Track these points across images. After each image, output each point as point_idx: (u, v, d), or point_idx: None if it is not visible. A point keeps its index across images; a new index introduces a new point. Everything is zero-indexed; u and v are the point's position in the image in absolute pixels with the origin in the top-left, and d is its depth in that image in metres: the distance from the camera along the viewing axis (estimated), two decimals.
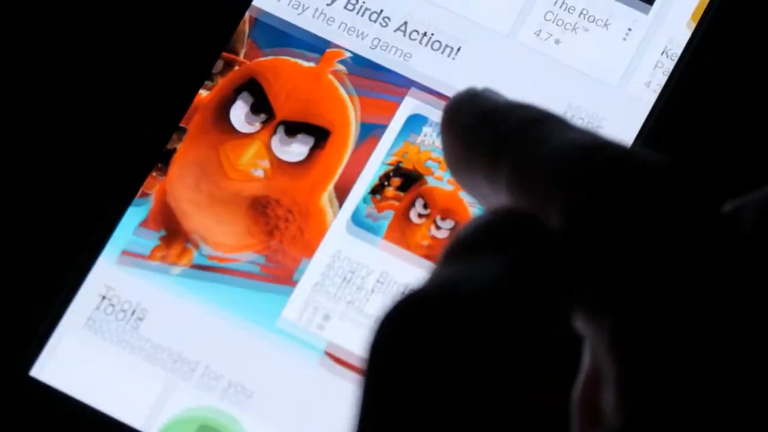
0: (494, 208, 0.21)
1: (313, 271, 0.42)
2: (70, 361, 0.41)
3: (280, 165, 0.42)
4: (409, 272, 0.41)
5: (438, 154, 0.42)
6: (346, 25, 0.43)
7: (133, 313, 0.41)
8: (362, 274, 0.42)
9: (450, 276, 0.19)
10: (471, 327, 0.18)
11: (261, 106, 0.42)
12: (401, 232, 0.42)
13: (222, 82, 0.42)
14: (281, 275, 0.42)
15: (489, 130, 0.21)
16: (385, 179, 0.42)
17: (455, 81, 0.42)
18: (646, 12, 0.42)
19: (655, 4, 0.42)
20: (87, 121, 0.43)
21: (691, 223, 0.19)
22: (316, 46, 0.42)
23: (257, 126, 0.42)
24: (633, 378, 0.18)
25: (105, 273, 0.42)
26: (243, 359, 0.41)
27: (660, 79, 0.42)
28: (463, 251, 0.20)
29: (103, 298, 0.41)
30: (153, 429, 0.40)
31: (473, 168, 0.21)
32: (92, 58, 0.43)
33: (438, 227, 0.42)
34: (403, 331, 0.18)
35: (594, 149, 0.20)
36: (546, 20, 0.42)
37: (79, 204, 0.42)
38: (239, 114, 0.42)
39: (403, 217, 0.42)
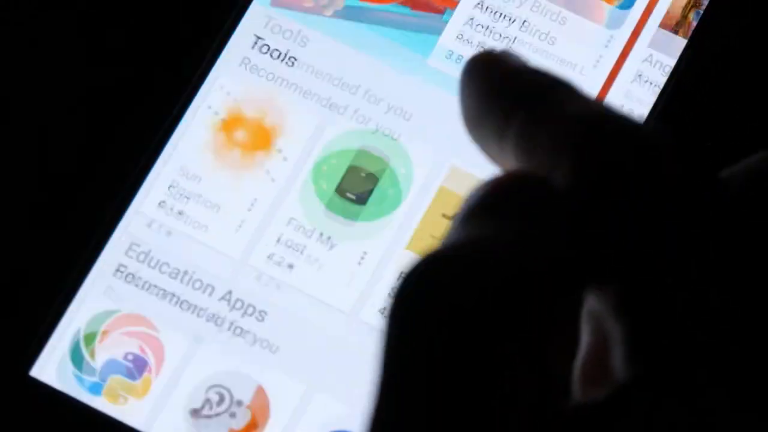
0: (504, 172, 0.21)
1: (459, 16, 0.43)
2: (224, 93, 0.42)
3: None
4: (550, 20, 0.43)
5: None
6: None
7: (286, 53, 0.43)
8: (505, 21, 0.43)
9: (470, 237, 0.20)
10: (493, 286, 0.19)
11: None
12: None
13: None
14: (430, 17, 0.43)
15: (503, 93, 0.22)
16: None
17: None
18: None
19: None
20: None
21: (693, 194, 0.20)
22: None
23: None
24: (640, 335, 0.19)
25: (260, 15, 0.43)
26: (391, 100, 0.42)
27: None
28: (477, 215, 0.20)
29: (258, 39, 0.43)
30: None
31: (485, 128, 0.22)
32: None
33: None
34: (425, 291, 0.19)
35: (604, 119, 0.20)
36: None
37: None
38: None
39: None
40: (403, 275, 0.19)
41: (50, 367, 0.41)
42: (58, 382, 0.41)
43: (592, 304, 0.20)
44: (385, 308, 0.19)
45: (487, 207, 0.20)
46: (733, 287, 0.19)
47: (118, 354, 0.41)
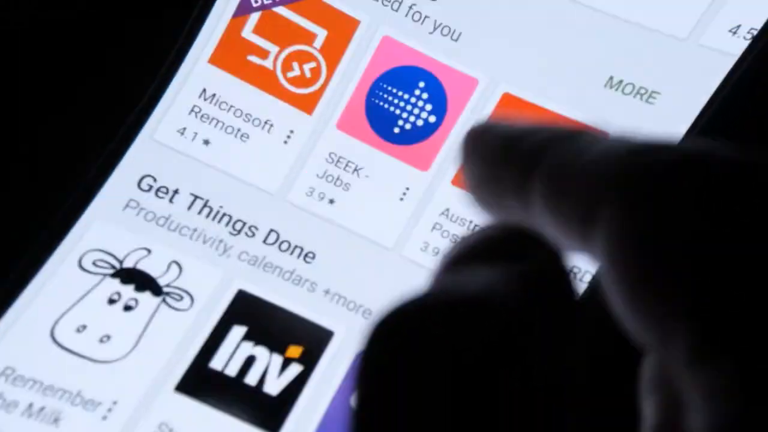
0: (497, 223, 0.21)
1: None
2: None
3: None
4: None
5: None
6: None
7: None
8: None
9: (448, 284, 0.20)
10: (464, 334, 0.18)
11: None
12: None
13: None
14: None
15: (519, 146, 0.21)
16: None
17: None
18: None
19: None
20: None
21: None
22: None
23: None
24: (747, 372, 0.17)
25: None
26: None
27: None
28: (463, 262, 0.20)
29: None
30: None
31: (502, 186, 0.21)
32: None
33: None
34: (399, 340, 0.18)
35: (643, 150, 0.19)
36: None
37: None
38: None
39: None
40: (379, 324, 0.19)
41: None
42: None
43: (651, 371, 0.18)
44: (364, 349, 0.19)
45: (475, 254, 0.20)
46: None
47: None
